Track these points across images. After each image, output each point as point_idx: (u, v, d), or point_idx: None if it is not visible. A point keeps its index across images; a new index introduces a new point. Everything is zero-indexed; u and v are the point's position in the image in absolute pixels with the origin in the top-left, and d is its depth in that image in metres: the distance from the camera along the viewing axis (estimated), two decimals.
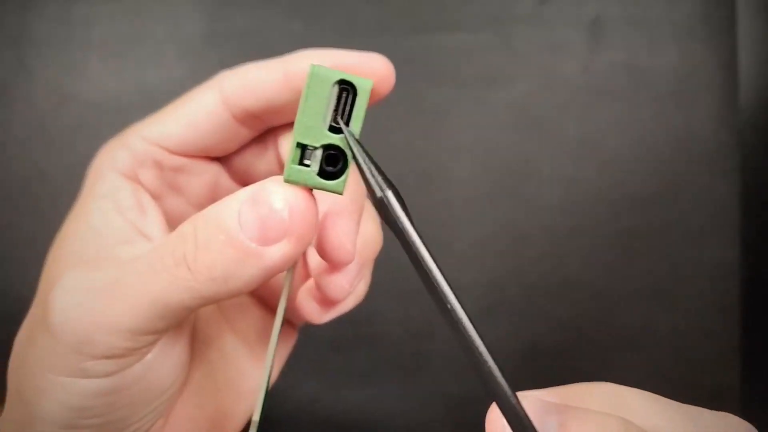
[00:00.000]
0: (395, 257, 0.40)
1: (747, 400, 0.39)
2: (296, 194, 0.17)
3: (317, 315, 0.23)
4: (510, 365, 0.43)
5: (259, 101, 0.22)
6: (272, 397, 0.24)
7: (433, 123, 0.40)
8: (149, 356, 0.20)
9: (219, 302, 0.18)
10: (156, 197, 0.23)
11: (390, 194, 0.16)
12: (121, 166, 0.22)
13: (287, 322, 0.26)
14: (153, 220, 0.23)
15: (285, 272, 0.19)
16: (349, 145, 0.17)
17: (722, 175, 0.39)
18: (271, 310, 0.27)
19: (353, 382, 0.40)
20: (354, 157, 0.16)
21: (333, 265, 0.21)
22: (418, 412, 0.40)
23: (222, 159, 0.25)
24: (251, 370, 0.25)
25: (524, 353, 0.40)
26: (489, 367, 0.15)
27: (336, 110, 0.17)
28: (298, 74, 0.21)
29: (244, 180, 0.25)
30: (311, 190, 0.17)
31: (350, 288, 0.21)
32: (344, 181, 0.17)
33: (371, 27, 0.40)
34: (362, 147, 0.16)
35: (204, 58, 0.39)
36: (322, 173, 0.17)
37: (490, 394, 0.15)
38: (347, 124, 0.17)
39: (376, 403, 0.40)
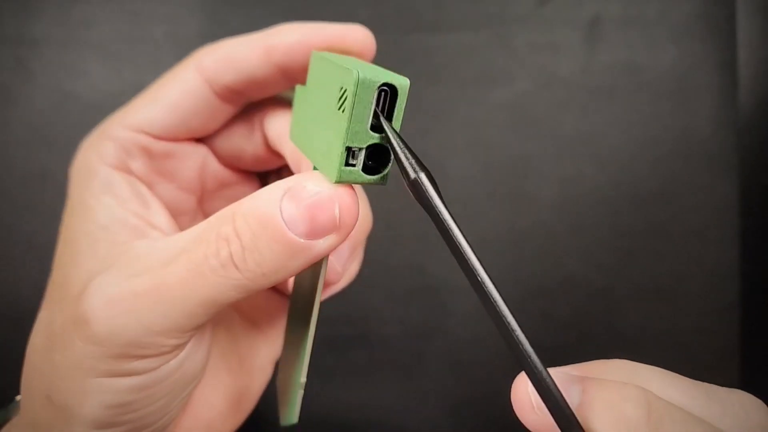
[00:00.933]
0: (394, 257, 0.40)
1: None
2: (345, 192, 0.17)
3: None
4: (509, 365, 0.43)
5: (240, 76, 0.21)
6: (270, 395, 0.24)
7: (431, 122, 0.40)
8: (187, 347, 0.20)
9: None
10: (148, 186, 0.23)
11: (423, 176, 0.17)
12: (110, 158, 0.22)
13: (282, 294, 0.26)
14: (156, 209, 0.23)
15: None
16: (384, 130, 0.17)
17: (721, 175, 0.39)
18: (274, 289, 0.27)
19: (351, 382, 0.40)
20: (389, 140, 0.17)
21: None
22: (416, 412, 0.40)
23: (208, 141, 0.24)
24: (261, 346, 0.26)
25: None
26: (518, 337, 0.16)
27: (376, 110, 0.17)
28: (279, 48, 0.21)
29: (230, 162, 0.25)
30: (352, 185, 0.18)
31: (343, 270, 0.21)
32: (388, 174, 0.18)
33: (370, 27, 0.39)
34: (395, 131, 0.17)
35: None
36: (365, 169, 0.18)
37: (518, 362, 0.16)
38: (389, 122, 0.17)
39: (375, 402, 0.40)
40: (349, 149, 0.17)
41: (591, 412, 0.15)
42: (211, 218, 0.19)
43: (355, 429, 0.40)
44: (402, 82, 0.17)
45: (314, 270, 0.20)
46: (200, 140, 0.24)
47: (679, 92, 0.39)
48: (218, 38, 0.40)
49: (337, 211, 0.17)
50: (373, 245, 0.40)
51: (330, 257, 0.20)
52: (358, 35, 0.21)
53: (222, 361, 0.25)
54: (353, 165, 0.17)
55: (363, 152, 0.17)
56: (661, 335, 0.40)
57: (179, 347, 0.19)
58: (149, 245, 0.20)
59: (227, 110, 0.23)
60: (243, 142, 0.24)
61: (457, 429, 0.40)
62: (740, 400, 0.16)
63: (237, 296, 0.18)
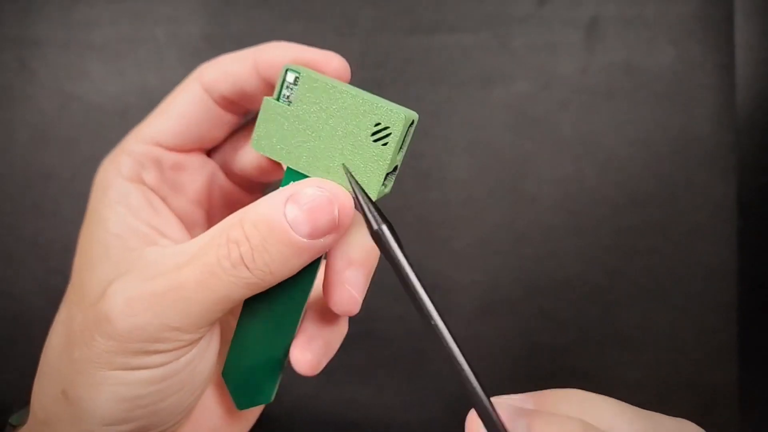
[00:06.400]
0: None
1: (745, 398, 0.39)
2: (342, 194, 0.20)
3: (312, 368, 0.24)
4: (509, 364, 0.43)
5: (234, 87, 0.23)
6: (275, 401, 0.24)
7: (431, 123, 0.40)
8: (199, 344, 0.21)
9: None
10: (161, 197, 0.24)
11: (385, 228, 0.19)
12: (126, 171, 0.24)
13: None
14: (167, 218, 0.24)
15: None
16: (352, 187, 0.20)
17: (720, 175, 0.39)
18: None
19: (353, 380, 0.40)
20: (355, 196, 0.20)
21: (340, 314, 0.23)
22: (417, 410, 0.41)
23: (215, 157, 0.26)
24: None
25: (523, 352, 0.41)
26: (466, 375, 0.18)
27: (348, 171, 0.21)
28: (265, 63, 0.23)
29: (236, 175, 0.26)
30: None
31: (361, 299, 0.23)
32: (392, 182, 0.22)
33: (370, 27, 0.40)
34: (360, 187, 0.20)
35: (204, 60, 0.39)
36: None
37: (468, 399, 0.18)
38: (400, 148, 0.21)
39: (376, 400, 0.41)
40: (386, 174, 0.20)
41: None
42: (218, 225, 0.20)
43: (355, 427, 0.41)
44: (416, 116, 0.21)
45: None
46: (209, 155, 0.26)
47: (678, 93, 0.39)
48: (219, 39, 0.40)
49: (336, 212, 0.19)
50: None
51: (348, 287, 0.22)
52: (335, 63, 0.22)
53: (223, 358, 0.25)
54: (385, 185, 0.21)
55: (394, 174, 0.21)
56: (660, 334, 0.40)
57: (193, 343, 0.21)
58: (160, 251, 0.21)
59: (230, 119, 0.25)
60: (247, 153, 0.25)
61: (457, 428, 0.40)
62: (687, 431, 0.17)
63: (248, 293, 0.20)
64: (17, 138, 0.40)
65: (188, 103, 0.24)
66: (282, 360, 0.23)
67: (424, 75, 0.40)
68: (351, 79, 0.23)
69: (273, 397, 0.24)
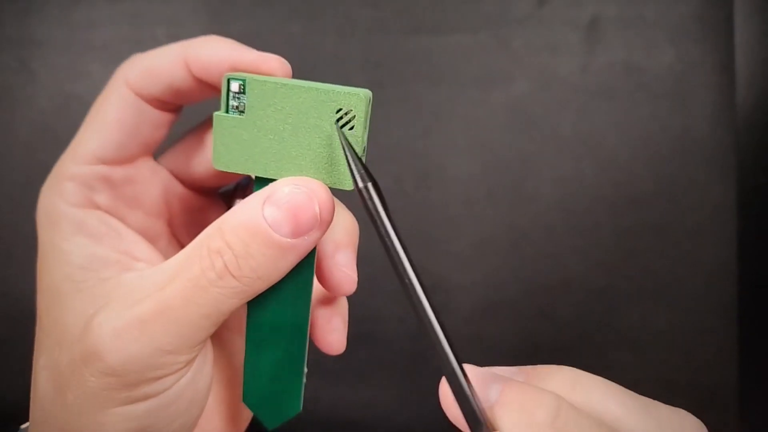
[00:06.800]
0: None
1: (745, 398, 0.39)
2: (321, 189, 0.19)
3: (342, 345, 0.23)
4: (509, 365, 0.43)
5: (166, 89, 0.22)
6: None
7: (431, 123, 0.40)
8: (196, 361, 0.20)
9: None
10: (118, 217, 0.23)
11: (370, 185, 0.18)
12: (73, 198, 0.22)
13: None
14: (132, 239, 0.22)
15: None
16: (341, 142, 0.19)
17: (719, 175, 0.39)
18: None
19: (352, 382, 0.40)
20: (344, 152, 0.19)
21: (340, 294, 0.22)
22: (416, 411, 0.41)
23: (166, 163, 0.25)
24: None
25: (523, 352, 0.41)
26: (436, 334, 0.17)
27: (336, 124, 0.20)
28: (197, 63, 0.21)
29: (192, 181, 0.25)
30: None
31: (355, 276, 0.22)
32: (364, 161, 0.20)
33: (370, 28, 0.40)
34: (348, 143, 0.19)
35: None
36: None
37: (436, 362, 0.17)
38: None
39: (375, 402, 0.41)
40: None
41: (503, 411, 0.16)
42: (196, 239, 0.19)
43: (355, 427, 0.41)
44: (371, 93, 0.20)
45: (297, 265, 0.21)
46: (158, 162, 0.25)
47: (678, 93, 0.39)
48: None
49: (317, 208, 0.19)
50: (374, 245, 0.40)
51: (342, 268, 0.21)
52: (273, 64, 0.21)
53: (218, 376, 0.25)
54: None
55: (364, 154, 0.20)
56: (660, 334, 0.40)
57: (190, 362, 0.20)
58: (139, 275, 0.20)
59: (168, 117, 0.23)
60: (199, 157, 0.24)
61: (456, 427, 0.40)
62: (681, 420, 0.17)
63: (238, 302, 0.19)
64: (17, 138, 0.40)
65: (121, 111, 0.22)
66: (302, 365, 0.22)
67: (424, 75, 0.40)
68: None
69: (301, 406, 0.23)
